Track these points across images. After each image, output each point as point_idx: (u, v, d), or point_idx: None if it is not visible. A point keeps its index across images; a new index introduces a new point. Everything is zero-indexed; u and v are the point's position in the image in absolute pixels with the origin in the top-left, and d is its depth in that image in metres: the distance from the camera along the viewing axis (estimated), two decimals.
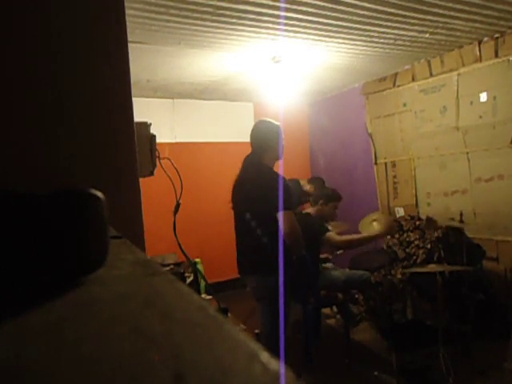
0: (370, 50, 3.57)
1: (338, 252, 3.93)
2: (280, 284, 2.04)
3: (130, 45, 0.91)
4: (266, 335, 2.29)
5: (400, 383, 2.71)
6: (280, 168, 2.41)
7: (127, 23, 0.91)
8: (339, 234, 3.74)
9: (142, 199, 0.94)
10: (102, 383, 0.19)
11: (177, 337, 0.24)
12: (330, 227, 3.31)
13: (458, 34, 3.32)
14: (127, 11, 0.94)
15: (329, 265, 3.60)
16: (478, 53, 3.58)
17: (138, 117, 0.94)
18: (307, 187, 3.98)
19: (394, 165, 4.60)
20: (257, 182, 2.28)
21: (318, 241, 3.13)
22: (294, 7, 2.60)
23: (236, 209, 2.43)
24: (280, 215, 2.15)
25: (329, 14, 2.73)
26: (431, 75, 4.03)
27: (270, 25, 2.87)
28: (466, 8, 2.79)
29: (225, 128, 5.31)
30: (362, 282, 3.29)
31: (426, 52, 3.78)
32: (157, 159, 1.18)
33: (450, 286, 3.07)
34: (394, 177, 4.61)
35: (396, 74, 4.42)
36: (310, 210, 3.35)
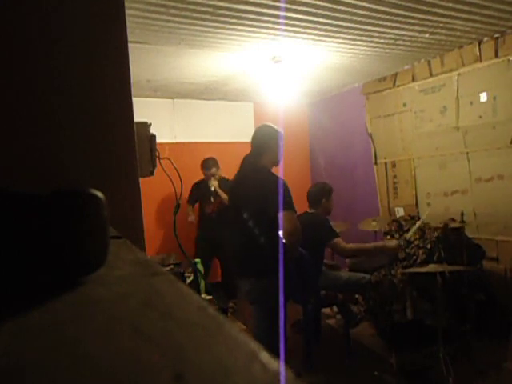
0: (370, 49, 3.57)
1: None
2: (280, 285, 2.01)
3: (130, 45, 0.91)
4: (260, 338, 2.14)
5: (400, 383, 2.71)
6: (280, 168, 2.41)
7: (127, 23, 0.91)
8: (339, 234, 3.72)
9: (142, 199, 0.94)
10: (102, 383, 0.19)
11: (177, 337, 0.24)
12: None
13: (458, 33, 3.32)
14: (127, 11, 0.94)
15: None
16: (478, 53, 3.58)
17: (137, 117, 0.94)
18: None
19: (393, 165, 4.60)
20: (256, 182, 2.27)
21: (324, 241, 3.13)
22: (294, 7, 2.60)
23: (233, 208, 2.41)
24: (281, 215, 2.13)
25: (329, 13, 2.73)
26: (431, 75, 4.03)
27: (270, 25, 2.87)
28: (466, 8, 2.79)
29: (225, 128, 5.31)
30: (361, 286, 3.30)
31: (426, 52, 3.78)
32: (157, 159, 1.18)
33: (449, 286, 3.07)
34: (394, 177, 4.61)
35: (396, 74, 4.42)
36: (312, 210, 3.35)
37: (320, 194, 3.34)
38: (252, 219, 2.24)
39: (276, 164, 2.41)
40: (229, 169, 4.69)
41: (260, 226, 2.21)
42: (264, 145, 2.37)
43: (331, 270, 3.44)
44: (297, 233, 2.18)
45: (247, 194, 2.30)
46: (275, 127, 2.45)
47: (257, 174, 2.32)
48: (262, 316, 2.23)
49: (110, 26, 0.89)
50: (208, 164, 4.56)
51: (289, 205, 2.17)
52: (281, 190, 2.12)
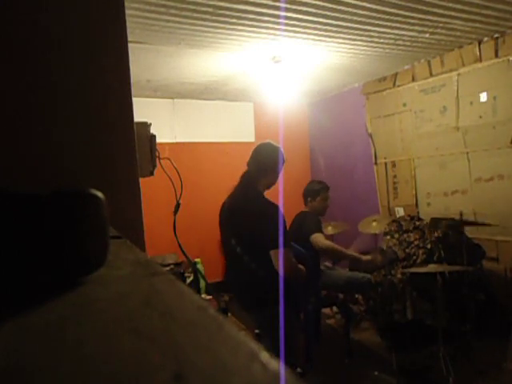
0: (370, 49, 3.57)
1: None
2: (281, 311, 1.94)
3: (130, 45, 0.91)
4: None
5: (400, 383, 2.71)
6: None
7: (127, 23, 0.91)
8: (339, 234, 3.72)
9: (142, 199, 0.94)
10: (102, 383, 0.19)
11: (177, 337, 0.24)
12: (324, 229, 3.30)
13: (458, 33, 3.32)
14: (127, 11, 0.94)
15: (328, 265, 3.60)
16: (478, 53, 3.58)
17: (138, 117, 0.94)
18: None
19: (393, 165, 4.60)
20: (249, 213, 2.16)
21: (307, 237, 3.11)
22: (294, 7, 2.60)
23: (225, 240, 2.30)
24: (281, 251, 2.04)
25: (329, 13, 2.73)
26: (431, 75, 4.03)
27: (270, 25, 2.87)
28: (466, 8, 2.79)
29: (225, 128, 5.31)
30: (361, 285, 3.30)
31: (426, 52, 3.78)
32: (157, 159, 1.18)
33: (450, 286, 3.07)
34: (394, 177, 4.60)
35: (396, 74, 4.42)
36: (305, 208, 3.36)
37: (307, 193, 3.37)
38: (247, 253, 2.15)
39: (271, 186, 2.30)
40: (229, 169, 4.69)
41: (257, 259, 2.13)
42: (268, 166, 2.25)
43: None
44: (292, 271, 2.08)
45: (240, 226, 2.20)
46: (276, 145, 2.32)
47: (251, 202, 2.19)
48: (269, 346, 2.14)
49: (109, 26, 0.89)
50: None
51: (287, 241, 2.09)
52: (281, 224, 2.02)
